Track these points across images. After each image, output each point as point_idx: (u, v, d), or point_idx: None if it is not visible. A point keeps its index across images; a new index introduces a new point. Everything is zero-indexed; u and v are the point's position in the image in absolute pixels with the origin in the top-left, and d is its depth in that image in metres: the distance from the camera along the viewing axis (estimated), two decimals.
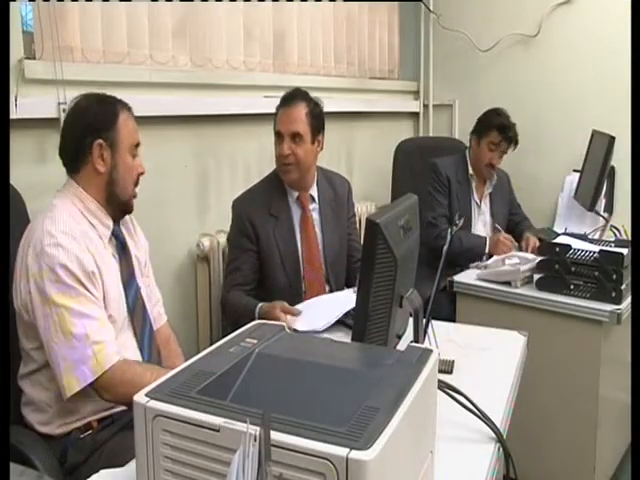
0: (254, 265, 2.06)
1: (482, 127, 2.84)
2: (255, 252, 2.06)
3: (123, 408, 1.44)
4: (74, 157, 1.52)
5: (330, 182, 2.23)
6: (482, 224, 2.93)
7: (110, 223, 1.55)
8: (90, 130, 1.49)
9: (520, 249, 2.64)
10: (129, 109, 1.56)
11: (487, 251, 2.65)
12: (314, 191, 2.16)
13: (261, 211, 2.06)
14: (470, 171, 2.89)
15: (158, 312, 1.75)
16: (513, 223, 3.00)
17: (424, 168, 3.01)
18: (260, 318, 1.81)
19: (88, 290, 1.40)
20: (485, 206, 2.93)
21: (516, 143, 2.82)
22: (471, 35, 3.63)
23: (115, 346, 1.41)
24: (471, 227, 2.87)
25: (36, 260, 1.37)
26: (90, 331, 1.37)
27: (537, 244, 2.63)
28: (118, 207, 1.56)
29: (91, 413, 1.46)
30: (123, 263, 1.57)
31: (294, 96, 2.07)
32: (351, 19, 3.32)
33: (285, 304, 1.85)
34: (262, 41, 2.68)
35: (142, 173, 1.59)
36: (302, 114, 2.04)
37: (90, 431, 1.46)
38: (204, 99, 2.38)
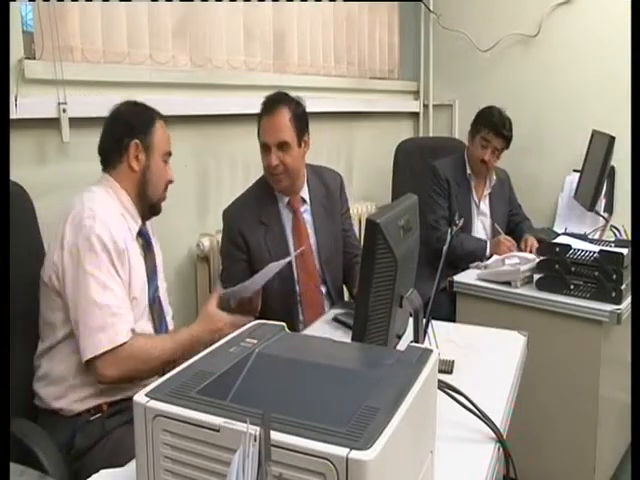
0: (246, 274, 2.01)
1: (475, 124, 2.85)
2: (246, 261, 2.04)
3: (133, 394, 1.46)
4: (111, 154, 1.62)
5: (321, 178, 2.19)
6: (481, 224, 2.93)
7: (139, 220, 1.64)
8: (128, 130, 1.60)
9: (520, 250, 2.64)
10: (164, 120, 1.67)
11: (488, 253, 2.65)
12: (305, 192, 2.12)
13: (251, 220, 2.03)
14: (468, 170, 2.89)
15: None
16: (513, 223, 2.99)
17: (424, 168, 3.01)
18: None
19: (115, 266, 1.48)
20: (485, 206, 2.93)
21: (509, 140, 2.81)
22: (471, 35, 3.63)
23: (129, 324, 1.48)
24: (471, 227, 2.87)
25: (73, 230, 1.46)
26: (111, 302, 1.45)
27: (536, 245, 2.63)
28: (147, 207, 1.65)
29: (105, 395, 1.50)
30: (148, 260, 1.65)
31: (275, 101, 2.01)
32: (351, 19, 3.32)
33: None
34: (262, 41, 2.68)
35: (171, 181, 1.68)
36: (286, 120, 1.98)
37: (100, 414, 1.49)
38: (204, 99, 2.38)
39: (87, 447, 1.45)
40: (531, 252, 2.53)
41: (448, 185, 2.84)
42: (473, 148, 2.84)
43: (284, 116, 1.98)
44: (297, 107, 2.03)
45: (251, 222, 2.03)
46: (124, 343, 1.44)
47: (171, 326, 1.76)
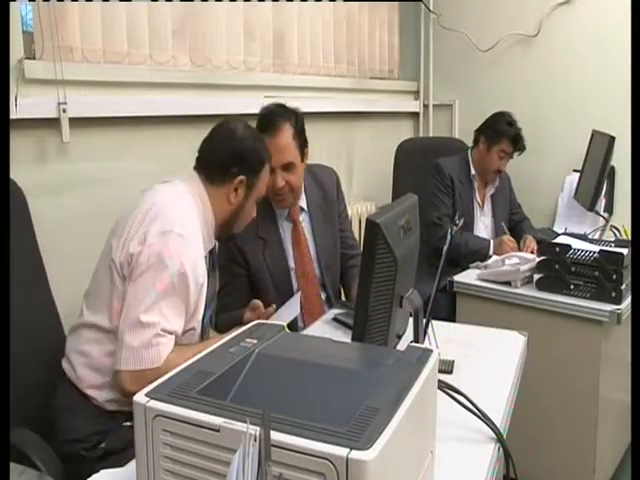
0: (245, 289, 2.01)
1: (494, 135, 2.82)
2: (246, 276, 2.02)
3: None
4: (213, 171, 1.58)
5: (316, 180, 2.15)
6: (483, 225, 2.93)
7: (214, 241, 1.61)
8: (240, 162, 1.57)
9: (519, 250, 2.65)
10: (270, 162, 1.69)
11: (491, 253, 2.65)
12: (302, 201, 2.08)
13: (249, 235, 1.95)
14: (472, 171, 2.89)
15: None
16: (513, 222, 3.00)
17: (425, 168, 3.01)
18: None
19: (188, 298, 1.43)
20: (487, 207, 2.94)
21: (525, 149, 2.84)
22: (471, 35, 3.63)
23: (169, 350, 1.41)
24: (473, 227, 2.87)
25: (161, 237, 1.40)
26: (162, 325, 1.39)
27: (534, 245, 2.64)
28: (227, 235, 1.66)
29: None
30: (211, 282, 1.60)
31: (275, 119, 1.91)
32: (351, 19, 3.32)
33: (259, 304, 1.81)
34: (262, 41, 2.68)
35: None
36: (289, 139, 1.90)
37: (130, 422, 1.46)
38: (204, 99, 2.38)
39: (119, 449, 1.41)
40: (532, 252, 2.54)
41: (452, 183, 2.84)
42: (488, 158, 2.83)
43: (287, 135, 1.91)
44: (297, 121, 1.95)
45: (249, 237, 1.97)
46: (159, 367, 1.38)
47: None
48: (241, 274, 2.02)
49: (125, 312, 1.40)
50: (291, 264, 2.05)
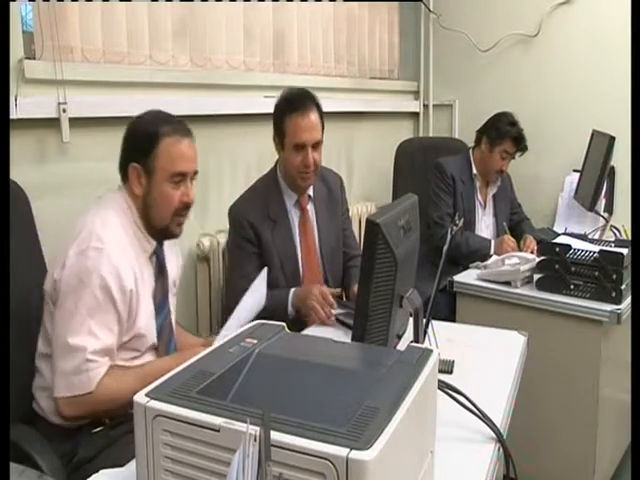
0: (258, 267, 2.00)
1: (496, 135, 2.81)
2: (258, 255, 2.03)
3: None
4: (121, 172, 1.54)
5: (322, 178, 2.19)
6: (485, 225, 2.93)
7: (153, 242, 1.56)
8: (130, 153, 1.52)
9: (519, 250, 2.65)
10: (184, 134, 1.53)
11: (492, 252, 2.65)
12: (310, 190, 2.14)
13: (260, 214, 2.03)
14: (474, 171, 2.90)
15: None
16: (513, 222, 3.00)
17: (425, 168, 3.01)
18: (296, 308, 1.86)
19: (116, 309, 1.41)
20: (489, 207, 2.94)
21: (527, 150, 2.85)
22: (471, 35, 3.63)
23: (101, 374, 1.40)
24: (475, 227, 2.87)
25: (77, 256, 1.39)
26: (90, 348, 1.38)
27: (534, 245, 2.64)
28: (156, 231, 1.55)
29: (107, 412, 1.46)
30: (159, 285, 1.57)
31: (305, 100, 2.00)
32: (351, 19, 3.32)
33: (324, 288, 1.83)
34: (262, 41, 2.68)
35: (187, 203, 1.54)
36: (317, 119, 1.99)
37: (102, 427, 1.46)
38: (204, 99, 2.38)
39: (92, 456, 1.42)
40: (532, 252, 2.54)
41: (453, 182, 2.85)
42: (491, 158, 2.83)
43: (316, 115, 1.99)
44: (319, 107, 2.04)
45: (260, 217, 2.03)
46: (91, 392, 1.38)
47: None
48: (254, 252, 2.03)
49: (55, 338, 1.40)
50: (298, 250, 2.08)
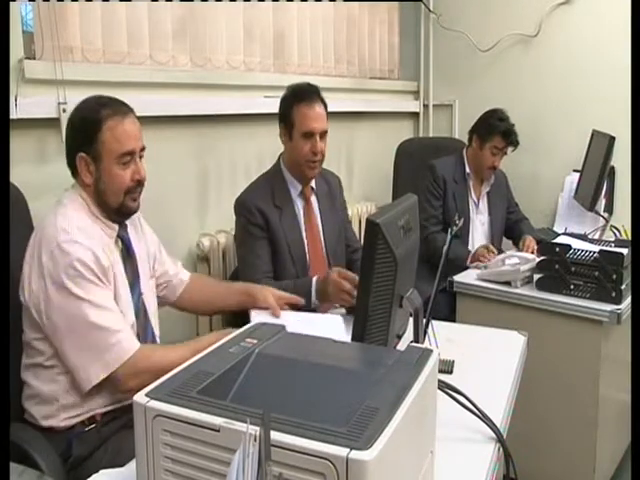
0: (269, 252, 2.07)
1: (486, 132, 2.82)
2: (267, 240, 2.07)
3: (126, 400, 1.44)
4: (70, 167, 1.53)
5: (324, 176, 2.25)
6: (480, 222, 2.93)
7: (115, 226, 1.56)
8: (73, 144, 1.51)
9: (518, 250, 2.64)
10: (125, 113, 1.50)
11: (468, 264, 2.61)
12: (313, 183, 2.18)
13: (267, 201, 2.08)
14: (467, 170, 2.90)
15: (180, 279, 1.79)
16: (511, 221, 3.01)
17: (425, 168, 3.01)
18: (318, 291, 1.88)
19: (104, 284, 1.44)
20: (483, 204, 2.94)
21: (517, 144, 2.83)
22: (471, 35, 3.63)
23: (133, 334, 1.45)
24: (469, 226, 2.87)
25: (51, 257, 1.39)
26: (110, 322, 1.41)
27: (534, 246, 2.63)
28: (114, 213, 1.54)
29: (97, 407, 1.47)
30: (128, 267, 1.58)
31: (312, 93, 2.08)
32: (351, 19, 3.32)
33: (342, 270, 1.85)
34: (262, 41, 2.68)
35: (139, 180, 1.53)
36: (323, 111, 2.08)
37: (94, 425, 1.47)
38: (204, 99, 2.38)
39: (86, 455, 1.43)
40: (532, 252, 2.53)
41: (445, 184, 2.86)
42: (482, 155, 2.83)
43: (322, 106, 2.08)
44: (324, 100, 2.11)
45: (267, 203, 2.07)
46: (136, 354, 1.40)
47: (182, 273, 1.80)
48: (264, 237, 2.06)
49: (60, 337, 1.40)
50: (304, 236, 2.12)
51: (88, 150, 1.48)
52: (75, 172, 1.52)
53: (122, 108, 1.52)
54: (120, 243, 1.58)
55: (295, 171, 2.11)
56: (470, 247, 2.79)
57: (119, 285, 1.51)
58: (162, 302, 1.77)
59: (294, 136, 2.06)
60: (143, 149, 1.56)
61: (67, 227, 1.42)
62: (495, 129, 2.79)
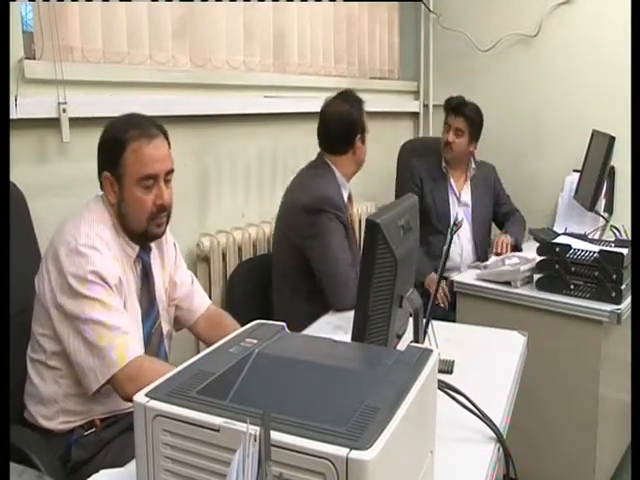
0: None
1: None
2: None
3: (126, 408, 1.44)
4: (99, 180, 1.53)
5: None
6: (463, 214, 2.93)
7: (136, 247, 1.54)
8: (102, 162, 1.51)
9: (497, 254, 2.64)
10: (152, 136, 1.47)
11: (424, 281, 2.64)
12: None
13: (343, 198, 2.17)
14: (443, 163, 2.93)
15: (198, 303, 1.74)
16: (501, 214, 3.02)
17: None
18: None
19: (114, 292, 1.42)
20: (466, 196, 2.96)
21: (471, 120, 2.86)
22: (471, 35, 3.63)
23: (138, 342, 1.43)
24: (449, 218, 2.87)
25: (70, 256, 1.39)
26: (119, 323, 1.38)
27: (509, 244, 2.64)
28: (136, 236, 1.53)
29: (97, 414, 1.47)
30: (144, 291, 1.56)
31: None
32: (351, 19, 3.32)
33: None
34: (262, 41, 2.68)
35: (162, 205, 1.49)
36: None
37: (93, 429, 1.46)
38: (204, 99, 2.38)
39: (86, 459, 1.43)
40: (506, 252, 2.54)
41: (421, 183, 2.92)
42: (441, 136, 2.94)
43: None
44: None
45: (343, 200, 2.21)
46: (138, 359, 1.37)
47: (202, 299, 1.75)
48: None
49: (74, 333, 1.39)
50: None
51: (113, 170, 1.48)
52: (103, 189, 1.53)
53: (151, 130, 1.49)
54: (139, 265, 1.56)
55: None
56: (455, 241, 2.76)
57: (130, 303, 1.49)
58: (177, 324, 1.73)
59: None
60: (170, 172, 1.52)
61: (89, 232, 1.43)
62: (444, 107, 2.92)
